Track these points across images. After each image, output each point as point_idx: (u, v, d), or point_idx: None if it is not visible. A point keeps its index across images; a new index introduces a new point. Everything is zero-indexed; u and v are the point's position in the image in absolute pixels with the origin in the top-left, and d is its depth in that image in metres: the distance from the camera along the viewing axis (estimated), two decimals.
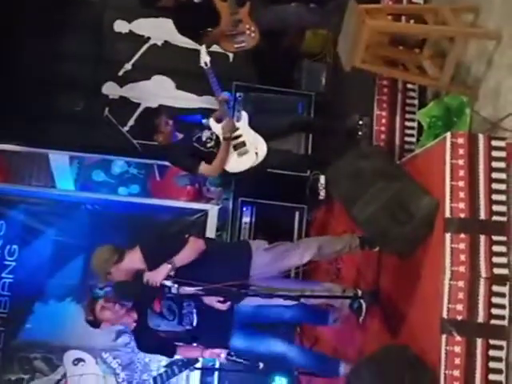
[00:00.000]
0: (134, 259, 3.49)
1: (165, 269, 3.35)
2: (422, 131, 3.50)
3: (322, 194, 4.68)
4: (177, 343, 3.70)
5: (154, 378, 3.80)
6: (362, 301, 3.48)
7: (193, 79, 5.28)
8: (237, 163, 4.26)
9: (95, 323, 3.73)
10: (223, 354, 3.66)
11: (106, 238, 4.77)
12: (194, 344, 3.75)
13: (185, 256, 3.40)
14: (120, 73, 5.61)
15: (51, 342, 5.25)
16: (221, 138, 4.19)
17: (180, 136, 4.27)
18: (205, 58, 4.07)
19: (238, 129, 4.23)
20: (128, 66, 5.61)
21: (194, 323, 3.64)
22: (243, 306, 3.72)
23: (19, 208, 5.44)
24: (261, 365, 3.61)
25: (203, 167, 4.20)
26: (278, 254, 3.57)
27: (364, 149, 3.39)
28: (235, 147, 4.21)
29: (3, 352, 5.20)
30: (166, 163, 4.95)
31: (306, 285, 3.74)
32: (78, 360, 5.27)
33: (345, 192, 3.20)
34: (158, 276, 3.35)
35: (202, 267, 3.41)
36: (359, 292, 3.54)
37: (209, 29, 4.29)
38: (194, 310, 3.64)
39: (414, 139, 3.64)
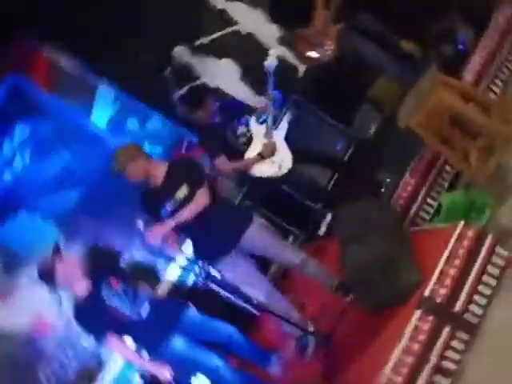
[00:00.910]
0: (159, 168, 3.68)
1: (169, 224, 3.51)
2: (438, 211, 3.53)
3: (323, 230, 4.76)
4: (110, 331, 3.70)
5: None
6: (310, 338, 3.51)
7: (257, 77, 5.34)
8: (258, 168, 4.33)
9: (46, 275, 3.73)
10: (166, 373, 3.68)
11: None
12: (129, 339, 3.74)
13: (188, 213, 3.52)
14: (196, 43, 5.73)
15: (16, 252, 5.36)
16: (258, 145, 4.29)
17: (218, 121, 4.36)
18: (272, 61, 4.17)
19: (273, 141, 4.31)
20: (205, 40, 5.72)
21: (144, 315, 3.68)
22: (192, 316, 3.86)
23: (47, 120, 5.56)
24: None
25: (221, 160, 4.28)
26: (276, 237, 3.78)
27: (381, 202, 3.42)
28: (262, 155, 4.27)
29: None
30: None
31: (276, 292, 3.75)
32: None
33: (347, 231, 3.25)
34: (162, 230, 3.50)
35: (202, 217, 3.54)
36: (311, 329, 3.57)
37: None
38: (147, 303, 3.70)
39: (428, 217, 3.66)
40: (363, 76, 4.83)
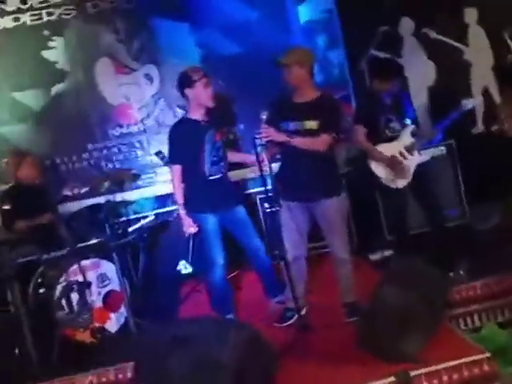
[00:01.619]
0: (310, 89, 3.67)
1: (283, 137, 3.54)
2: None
3: (375, 258, 4.87)
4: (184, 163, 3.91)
5: None
6: (296, 316, 3.66)
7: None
8: (378, 165, 4.36)
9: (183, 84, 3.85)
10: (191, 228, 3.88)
11: None
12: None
13: (304, 143, 3.55)
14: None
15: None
16: (394, 150, 4.31)
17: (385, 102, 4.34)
18: (469, 104, 4.25)
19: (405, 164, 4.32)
20: None
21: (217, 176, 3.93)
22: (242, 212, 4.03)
23: None
24: None
25: (361, 131, 4.33)
26: (344, 222, 3.77)
27: (443, 280, 3.42)
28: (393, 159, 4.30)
29: None
30: None
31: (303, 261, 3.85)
32: None
33: (400, 274, 3.28)
34: (276, 135, 3.52)
35: (303, 157, 3.60)
36: (303, 311, 3.72)
37: None
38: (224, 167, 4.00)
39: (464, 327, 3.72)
40: None
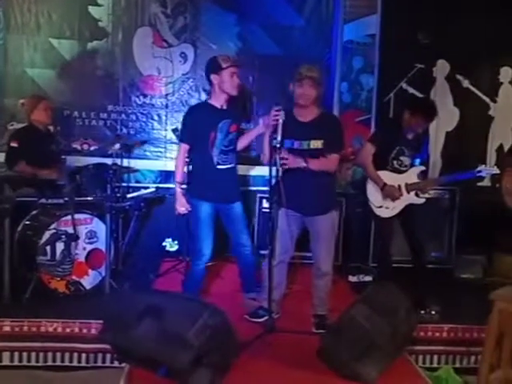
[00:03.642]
0: (312, 107, 3.72)
1: (298, 162, 3.60)
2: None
3: (354, 279, 4.98)
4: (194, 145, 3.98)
5: None
6: (267, 317, 3.77)
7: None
8: (373, 189, 4.42)
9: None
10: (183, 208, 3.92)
11: None
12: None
13: (319, 166, 3.65)
14: None
15: None
16: (395, 181, 4.37)
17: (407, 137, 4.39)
18: (481, 172, 4.32)
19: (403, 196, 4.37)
20: None
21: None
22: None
23: None
24: None
25: (368, 151, 4.35)
26: (333, 238, 3.87)
27: (414, 313, 3.49)
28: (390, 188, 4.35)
29: None
30: None
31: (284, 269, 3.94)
32: None
33: (373, 298, 3.34)
34: (292, 160, 3.61)
35: (308, 176, 3.68)
36: (275, 315, 3.80)
37: None
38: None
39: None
40: None
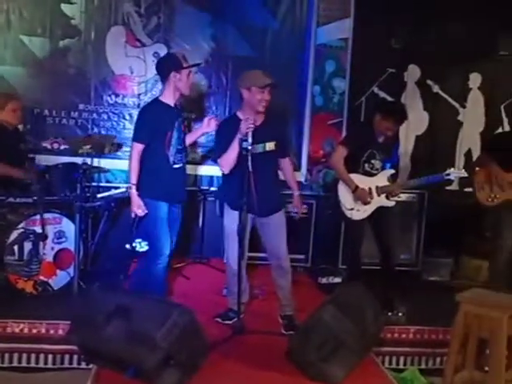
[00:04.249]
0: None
1: None
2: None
3: (324, 281, 5.03)
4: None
5: None
6: (234, 318, 3.82)
7: None
8: (344, 191, 4.45)
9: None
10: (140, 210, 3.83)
11: None
12: None
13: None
14: None
15: None
16: (373, 189, 4.41)
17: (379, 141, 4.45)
18: (450, 175, 4.34)
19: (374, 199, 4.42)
20: None
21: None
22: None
23: None
24: None
25: (341, 153, 4.39)
26: (285, 236, 3.91)
27: (381, 316, 3.54)
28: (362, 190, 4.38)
29: None
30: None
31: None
32: None
33: (342, 298, 3.37)
34: None
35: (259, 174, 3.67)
36: (240, 314, 3.80)
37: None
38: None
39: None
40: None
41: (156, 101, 3.96)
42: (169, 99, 3.88)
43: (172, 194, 3.92)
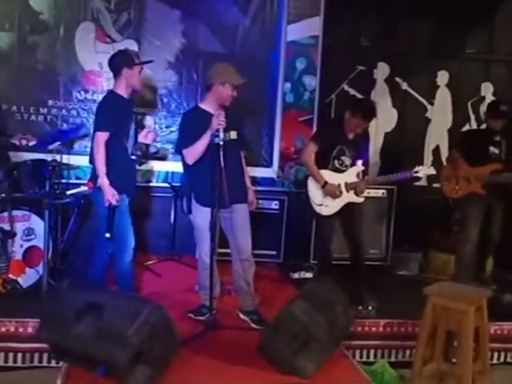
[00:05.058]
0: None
1: None
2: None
3: (296, 276, 5.05)
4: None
5: None
6: (207, 315, 3.78)
7: None
8: (314, 186, 4.50)
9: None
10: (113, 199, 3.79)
11: None
12: None
13: None
14: None
15: None
16: (342, 185, 4.46)
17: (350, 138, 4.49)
18: (419, 173, 4.41)
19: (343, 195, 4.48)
20: None
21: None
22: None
23: None
24: None
25: (311, 149, 4.44)
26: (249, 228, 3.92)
27: (350, 310, 3.58)
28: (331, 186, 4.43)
29: None
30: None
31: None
32: None
33: (312, 294, 3.41)
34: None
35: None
36: (213, 310, 3.80)
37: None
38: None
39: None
40: None
41: (112, 92, 3.98)
42: (123, 93, 3.94)
43: (130, 187, 3.97)
